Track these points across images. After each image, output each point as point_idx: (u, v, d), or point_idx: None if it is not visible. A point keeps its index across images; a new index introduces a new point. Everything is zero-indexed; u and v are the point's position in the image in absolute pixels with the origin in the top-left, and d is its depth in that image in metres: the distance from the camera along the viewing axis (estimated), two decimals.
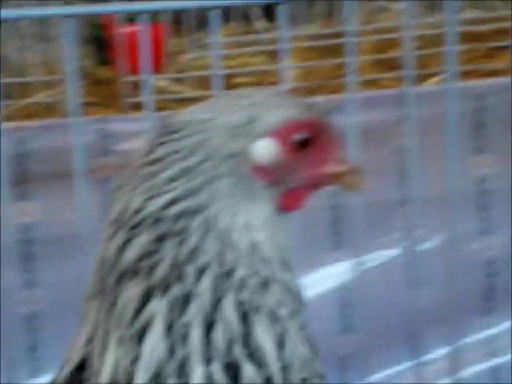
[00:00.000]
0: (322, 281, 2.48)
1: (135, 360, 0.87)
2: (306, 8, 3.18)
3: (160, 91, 2.62)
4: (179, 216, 0.88)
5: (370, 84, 2.76)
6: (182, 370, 0.87)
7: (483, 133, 2.53)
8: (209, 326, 0.88)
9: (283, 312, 0.91)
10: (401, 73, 2.54)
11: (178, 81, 2.68)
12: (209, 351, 0.87)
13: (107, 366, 0.89)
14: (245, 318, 0.89)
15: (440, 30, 2.81)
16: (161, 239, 0.88)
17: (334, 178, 0.99)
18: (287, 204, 0.96)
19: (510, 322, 2.46)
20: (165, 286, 0.88)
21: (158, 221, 0.88)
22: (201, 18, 2.68)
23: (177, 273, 0.88)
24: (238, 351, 0.88)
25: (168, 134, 0.92)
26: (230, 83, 2.76)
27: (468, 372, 2.40)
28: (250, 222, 0.91)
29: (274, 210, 0.94)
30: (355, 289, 2.24)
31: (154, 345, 0.87)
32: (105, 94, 2.61)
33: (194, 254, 0.88)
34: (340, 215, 2.54)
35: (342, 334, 2.37)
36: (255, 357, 0.88)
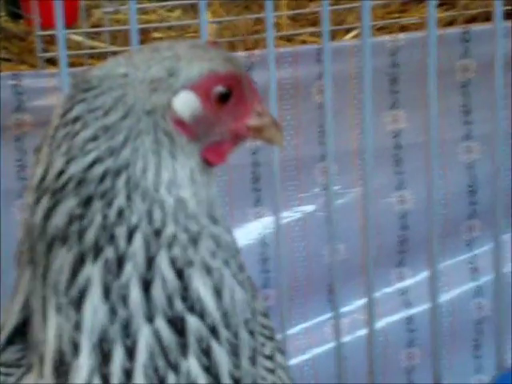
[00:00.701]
0: (242, 236, 2.50)
1: (77, 326, 0.87)
2: None
3: (75, 46, 2.57)
4: (103, 176, 0.87)
5: (289, 40, 2.76)
6: (127, 331, 0.87)
7: (397, 88, 2.57)
8: (146, 285, 0.88)
9: (216, 263, 0.91)
10: (318, 28, 2.55)
11: (93, 36, 2.63)
12: (150, 309, 0.87)
13: (50, 334, 0.88)
14: (180, 273, 0.89)
15: None
16: (87, 202, 0.86)
17: (255, 131, 0.98)
18: (210, 158, 0.95)
19: (422, 274, 2.53)
20: (97, 250, 0.87)
21: (81, 183, 0.86)
22: None
23: (107, 235, 0.87)
24: (179, 305, 0.88)
25: (85, 91, 0.89)
26: (147, 38, 2.73)
27: (383, 323, 2.47)
28: (174, 179, 0.90)
29: (198, 165, 0.93)
30: (275, 244, 2.26)
31: (94, 309, 0.87)
32: (18, 50, 2.54)
33: (122, 214, 0.87)
34: (260, 172, 2.56)
35: (263, 287, 2.40)
36: (196, 309, 0.89)
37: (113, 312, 0.87)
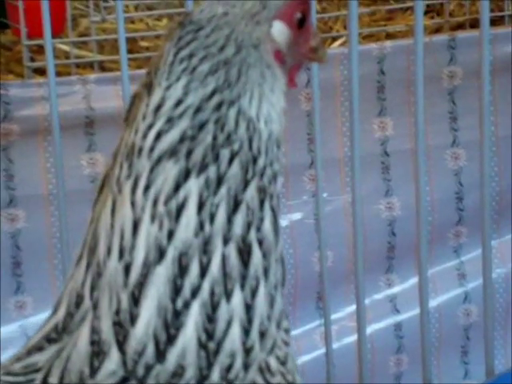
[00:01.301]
0: None
1: (170, 235, 0.91)
2: None
3: (62, 55, 2.56)
4: (219, 105, 0.93)
5: None
6: (206, 248, 0.91)
7: (384, 95, 2.58)
8: (234, 208, 0.92)
9: (277, 204, 0.96)
10: None
11: (81, 45, 2.63)
12: (229, 232, 0.92)
13: (140, 241, 0.92)
14: (262, 203, 0.94)
15: None
16: (201, 126, 0.93)
17: (313, 51, 1.05)
18: (289, 81, 1.02)
19: (411, 280, 2.53)
20: (202, 167, 0.92)
21: (199, 110, 0.93)
22: None
23: (214, 155, 0.92)
24: (253, 235, 0.93)
25: (196, 31, 0.95)
26: (134, 47, 2.73)
27: (371, 329, 2.47)
28: (271, 113, 0.97)
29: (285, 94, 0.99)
30: None
31: (188, 222, 0.91)
32: (5, 59, 2.54)
33: (228, 139, 0.93)
34: None
35: None
36: (263, 245, 0.93)
37: (201, 227, 0.91)
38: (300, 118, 2.55)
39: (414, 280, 2.45)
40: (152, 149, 0.93)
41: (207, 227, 0.92)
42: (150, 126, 0.93)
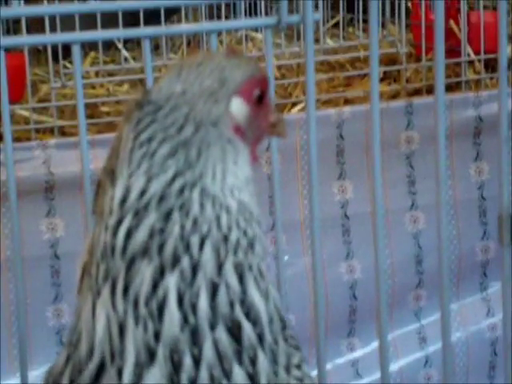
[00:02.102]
0: None
1: (156, 337, 0.90)
2: (169, 37, 3.20)
3: (22, 121, 2.56)
4: (182, 189, 0.92)
5: None
6: (195, 340, 0.90)
7: (344, 159, 2.61)
8: (213, 292, 0.92)
9: (264, 267, 0.96)
10: None
11: (41, 110, 2.63)
12: (214, 316, 0.91)
13: (129, 345, 0.90)
14: (241, 278, 0.93)
15: (300, 59, 2.90)
16: (167, 216, 0.91)
17: (272, 126, 1.06)
18: (251, 160, 1.03)
19: (372, 344, 2.53)
20: (174, 260, 0.91)
21: (162, 198, 0.91)
22: (63, 47, 2.64)
23: (184, 245, 0.91)
24: (238, 311, 0.92)
25: (154, 112, 0.94)
26: (94, 112, 2.74)
27: None
28: (235, 184, 0.97)
29: (250, 168, 1.01)
30: None
31: (171, 319, 0.90)
32: None
33: (196, 223, 0.92)
34: None
35: None
36: (251, 314, 0.93)
37: (185, 321, 0.90)
38: (261, 181, 2.56)
39: (375, 344, 2.44)
40: (124, 249, 0.91)
41: (191, 319, 0.91)
42: (119, 223, 0.92)
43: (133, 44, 3.23)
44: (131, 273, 0.91)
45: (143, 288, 0.91)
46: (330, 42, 3.19)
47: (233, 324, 0.92)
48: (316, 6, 2.98)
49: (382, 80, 2.85)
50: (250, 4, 3.45)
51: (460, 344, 2.66)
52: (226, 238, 0.93)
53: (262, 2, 3.12)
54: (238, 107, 0.99)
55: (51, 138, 2.47)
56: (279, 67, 2.99)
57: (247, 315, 0.93)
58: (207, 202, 0.93)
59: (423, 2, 2.97)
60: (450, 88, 2.81)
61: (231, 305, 0.92)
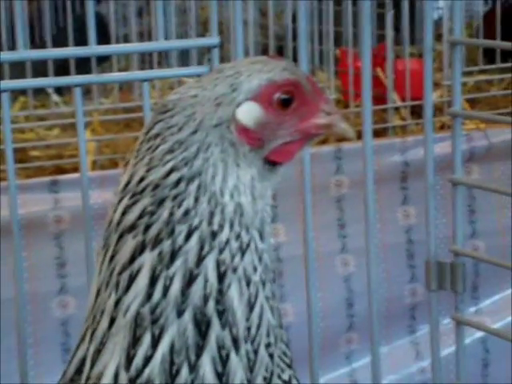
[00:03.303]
0: None
1: (116, 304, 0.97)
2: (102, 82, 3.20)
3: None
4: (178, 182, 0.98)
5: None
6: (155, 319, 0.96)
7: (276, 202, 2.63)
8: (189, 281, 0.96)
9: (256, 277, 0.99)
10: None
11: None
12: (184, 304, 0.96)
13: (98, 306, 1.00)
14: (222, 276, 0.97)
15: None
16: (160, 202, 0.98)
17: (325, 128, 1.09)
18: (278, 158, 1.05)
19: None
20: (156, 241, 0.97)
21: (158, 187, 0.98)
22: None
23: (169, 230, 0.97)
24: (211, 307, 0.96)
25: (163, 113, 1.02)
26: (24, 157, 2.71)
27: None
28: (237, 186, 1.00)
29: (259, 173, 1.03)
30: None
31: (136, 292, 0.97)
32: None
33: (187, 214, 0.98)
34: None
35: None
36: (225, 315, 0.96)
37: (148, 298, 0.96)
38: None
39: None
40: (119, 223, 1.00)
41: (156, 298, 0.96)
42: (119, 201, 1.01)
43: (63, 88, 3.22)
44: (119, 244, 0.99)
45: (122, 259, 0.98)
46: None
47: (202, 318, 0.96)
48: (247, 53, 3.03)
49: None
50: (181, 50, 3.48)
51: None
52: (214, 235, 0.98)
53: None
54: (247, 111, 1.02)
55: None
56: None
57: (220, 314, 0.96)
58: (203, 197, 0.98)
59: (351, 51, 3.05)
60: (377, 134, 2.87)
61: (205, 299, 0.96)
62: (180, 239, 0.97)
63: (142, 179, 1.00)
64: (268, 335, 0.99)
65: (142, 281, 0.97)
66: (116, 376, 0.97)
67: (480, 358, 2.76)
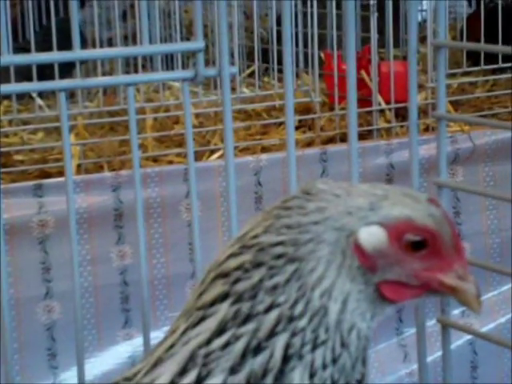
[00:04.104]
0: (111, 360, 2.44)
1: (182, 334, 1.02)
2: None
3: None
4: (279, 256, 1.01)
5: (155, 160, 2.80)
6: (208, 364, 0.99)
7: (262, 205, 2.63)
8: (255, 350, 0.99)
9: (324, 373, 0.99)
10: (184, 149, 2.60)
11: None
12: (240, 366, 0.99)
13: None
14: (287, 359, 0.98)
15: (217, 107, 2.93)
16: (257, 265, 1.01)
17: (449, 289, 1.05)
18: (386, 293, 1.04)
19: None
20: (238, 297, 1.00)
21: (262, 250, 1.01)
22: None
23: (253, 294, 1.00)
24: (269, 380, 0.98)
25: (305, 193, 1.05)
26: (8, 161, 2.70)
27: None
28: (329, 290, 1.01)
29: (361, 292, 1.03)
30: None
31: (201, 332, 1.00)
32: None
33: (275, 289, 1.00)
34: (129, 292, 2.53)
35: None
36: None
37: (208, 343, 0.99)
38: (181, 228, 2.56)
39: None
40: (219, 265, 1.03)
41: (214, 346, 0.98)
42: (231, 246, 1.04)
43: (47, 92, 3.20)
44: (211, 285, 1.03)
45: (205, 298, 1.02)
46: (247, 91, 3.24)
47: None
48: (232, 55, 3.03)
49: (297, 128, 2.90)
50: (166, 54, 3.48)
51: None
52: (292, 319, 0.99)
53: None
54: (373, 235, 1.02)
55: None
56: (197, 115, 3.01)
57: None
58: (295, 283, 1.00)
59: (335, 53, 3.05)
60: (362, 136, 2.87)
61: (265, 371, 0.98)
62: (260, 307, 1.00)
63: (255, 236, 1.03)
64: None
65: (210, 325, 1.00)
66: None
67: (468, 361, 2.76)
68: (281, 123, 2.95)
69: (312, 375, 0.99)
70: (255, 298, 0.99)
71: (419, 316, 1.79)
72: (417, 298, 1.05)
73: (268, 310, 0.99)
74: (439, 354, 1.85)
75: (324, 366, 1.00)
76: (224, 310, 1.00)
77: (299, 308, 1.00)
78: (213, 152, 2.81)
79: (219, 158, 2.73)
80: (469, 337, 2.69)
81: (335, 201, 1.03)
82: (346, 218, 1.02)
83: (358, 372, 1.02)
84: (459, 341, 2.69)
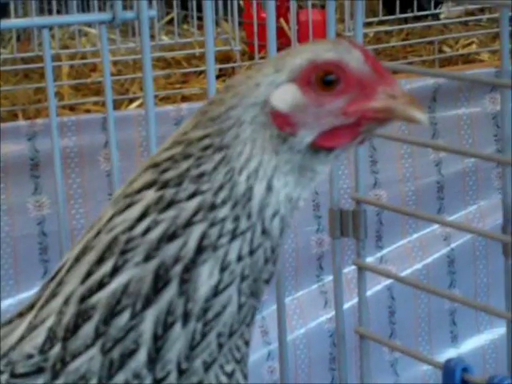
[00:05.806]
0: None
1: (108, 221, 1.01)
2: None
3: None
4: (206, 147, 1.00)
5: (72, 109, 2.75)
6: (126, 252, 0.97)
7: None
8: (170, 237, 0.97)
9: (236, 267, 0.97)
10: (102, 98, 2.55)
11: None
12: (155, 252, 0.96)
13: None
14: (201, 249, 0.97)
15: (136, 55, 2.88)
16: (186, 156, 1.00)
17: (385, 112, 1.00)
18: (326, 144, 1.01)
19: None
20: (163, 185, 0.99)
21: (191, 144, 1.01)
22: None
23: (178, 182, 0.99)
24: (177, 270, 0.96)
25: (225, 87, 1.05)
26: None
27: None
28: (256, 170, 1.00)
29: (289, 165, 1.01)
30: None
31: (125, 219, 0.99)
32: None
33: (200, 177, 0.99)
34: (48, 242, 2.49)
35: None
36: (186, 286, 0.96)
37: (130, 229, 0.98)
38: (100, 178, 2.53)
39: None
40: (155, 156, 1.03)
41: (136, 232, 0.97)
42: (171, 137, 1.03)
43: None
44: (142, 174, 1.02)
45: (135, 185, 1.01)
46: (166, 39, 3.19)
47: (163, 275, 0.96)
48: (150, 2, 2.97)
49: (217, 77, 2.88)
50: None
51: (301, 336, 2.73)
52: (213, 207, 0.98)
53: None
54: (284, 94, 1.00)
55: None
56: (115, 63, 2.95)
57: (182, 282, 0.96)
58: (222, 169, 0.99)
59: (254, 1, 3.03)
60: None
61: (175, 260, 0.96)
62: (182, 194, 0.98)
63: (185, 133, 1.02)
64: (225, 326, 0.98)
65: (135, 212, 0.99)
66: (73, 291, 0.98)
67: (386, 306, 2.83)
68: (201, 72, 2.93)
69: (223, 269, 0.97)
70: (180, 185, 0.99)
71: (336, 260, 1.82)
72: (357, 138, 1.02)
73: (190, 197, 0.98)
74: None
75: (239, 259, 0.98)
76: (149, 196, 0.99)
77: (223, 194, 0.98)
78: (132, 101, 2.77)
79: (139, 106, 2.70)
80: (386, 282, 2.75)
81: (247, 81, 1.02)
82: (256, 91, 1.01)
83: (267, 271, 1.01)
84: (377, 286, 2.75)
